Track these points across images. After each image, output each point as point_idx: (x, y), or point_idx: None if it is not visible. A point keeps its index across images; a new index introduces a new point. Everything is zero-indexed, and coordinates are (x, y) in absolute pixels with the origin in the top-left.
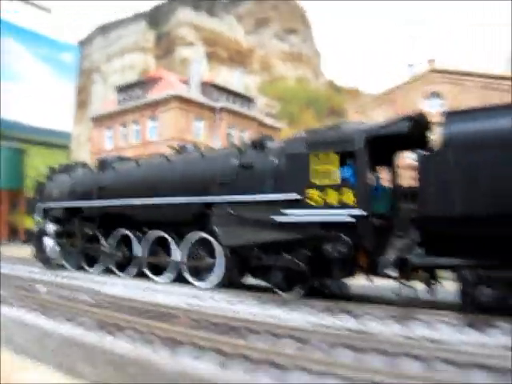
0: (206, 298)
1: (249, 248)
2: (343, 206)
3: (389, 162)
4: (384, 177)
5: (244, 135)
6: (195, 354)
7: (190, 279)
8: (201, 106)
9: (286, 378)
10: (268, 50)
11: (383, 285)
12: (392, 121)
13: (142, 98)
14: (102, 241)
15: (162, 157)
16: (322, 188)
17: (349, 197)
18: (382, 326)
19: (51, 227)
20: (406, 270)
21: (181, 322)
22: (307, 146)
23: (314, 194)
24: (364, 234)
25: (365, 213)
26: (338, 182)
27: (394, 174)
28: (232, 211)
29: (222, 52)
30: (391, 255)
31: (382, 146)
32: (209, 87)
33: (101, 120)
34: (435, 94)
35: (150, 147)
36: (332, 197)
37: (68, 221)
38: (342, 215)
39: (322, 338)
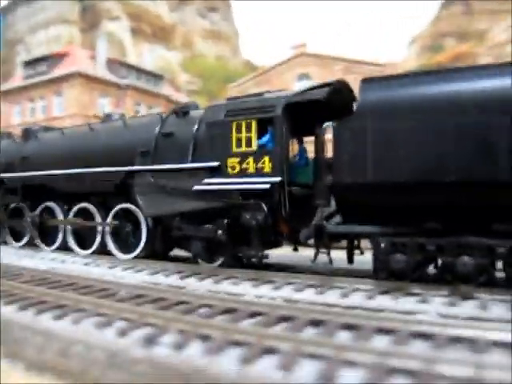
0: (69, 263)
1: (170, 218)
2: (260, 173)
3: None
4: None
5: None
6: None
7: (114, 251)
8: (106, 83)
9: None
10: (190, 28)
11: (309, 254)
12: (311, 87)
13: (48, 74)
14: (27, 213)
15: (86, 126)
16: (241, 156)
17: (266, 164)
18: (300, 295)
19: None
20: (323, 239)
21: (22, 279)
22: (228, 114)
23: (233, 162)
24: (280, 202)
25: (279, 179)
26: (256, 149)
27: (318, 145)
28: (152, 180)
29: (146, 27)
30: (311, 224)
31: (306, 115)
32: (116, 64)
33: (9, 94)
34: (305, 76)
35: (56, 123)
36: (250, 164)
37: None
38: (258, 183)
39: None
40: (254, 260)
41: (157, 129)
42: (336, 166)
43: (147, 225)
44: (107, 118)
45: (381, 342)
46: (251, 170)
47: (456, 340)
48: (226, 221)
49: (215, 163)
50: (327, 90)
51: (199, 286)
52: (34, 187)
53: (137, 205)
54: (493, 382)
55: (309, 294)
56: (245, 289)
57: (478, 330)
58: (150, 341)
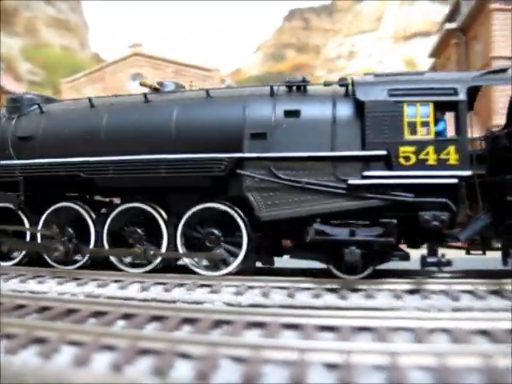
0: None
1: (302, 221)
2: (444, 166)
3: None
4: None
5: None
6: None
7: (195, 268)
8: None
9: None
10: (34, 13)
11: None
12: (489, 71)
13: None
14: (26, 222)
15: (128, 96)
16: (417, 144)
17: (451, 155)
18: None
19: None
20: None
21: None
22: (393, 93)
23: (407, 151)
24: (465, 198)
25: (469, 173)
26: (435, 137)
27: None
28: (275, 172)
29: None
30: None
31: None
32: None
33: None
34: (139, 76)
35: None
36: (430, 155)
37: None
38: (444, 177)
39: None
40: (429, 261)
41: (272, 106)
42: None
43: (248, 231)
44: (160, 86)
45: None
46: (431, 161)
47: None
48: (395, 221)
49: (382, 152)
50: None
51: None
52: (49, 181)
53: (236, 204)
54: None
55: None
56: (50, 287)
57: (260, 315)
58: None
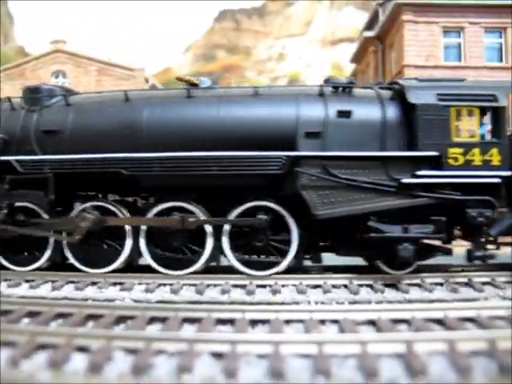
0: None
1: (356, 218)
2: (488, 166)
3: None
4: None
5: None
6: None
7: (241, 267)
8: None
9: None
10: None
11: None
12: None
13: None
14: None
15: (176, 91)
16: (465, 146)
17: (494, 156)
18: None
19: None
20: None
21: None
22: (442, 98)
23: (455, 152)
24: (506, 196)
25: (510, 173)
26: (481, 139)
27: None
28: (330, 171)
29: None
30: None
31: None
32: None
33: None
34: (61, 73)
35: None
36: (476, 156)
37: None
38: (489, 176)
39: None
40: (476, 255)
41: (323, 105)
42: None
43: (298, 230)
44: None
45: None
46: (477, 162)
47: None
48: (444, 219)
49: (433, 153)
50: None
51: None
52: (81, 178)
53: (283, 203)
54: None
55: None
56: None
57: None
58: None
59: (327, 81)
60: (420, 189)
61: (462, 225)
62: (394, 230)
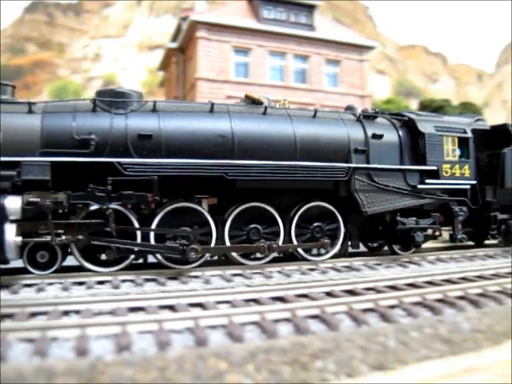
0: None
1: (386, 213)
2: (463, 177)
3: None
4: None
5: None
6: None
7: (305, 254)
8: None
9: None
10: None
11: None
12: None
13: None
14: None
15: (249, 108)
16: (450, 163)
17: (466, 170)
18: None
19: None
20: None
21: None
22: (438, 129)
23: (446, 167)
24: (473, 198)
25: (475, 182)
26: (459, 158)
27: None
28: (372, 178)
29: None
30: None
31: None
32: None
33: None
34: None
35: None
36: (457, 170)
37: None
38: (465, 184)
39: None
40: (458, 237)
41: (362, 128)
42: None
43: (344, 224)
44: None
45: None
46: (457, 174)
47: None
48: (438, 214)
49: (434, 167)
50: (489, 126)
51: None
52: (183, 180)
53: (333, 203)
54: None
55: None
56: None
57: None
58: None
59: (349, 108)
60: (427, 192)
61: (447, 217)
62: (412, 223)
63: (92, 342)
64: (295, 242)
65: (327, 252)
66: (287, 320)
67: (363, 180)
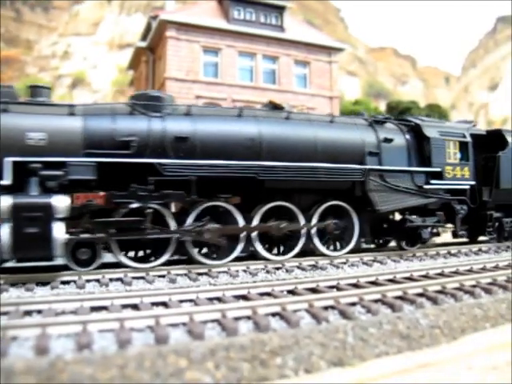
0: None
1: (396, 211)
2: (463, 178)
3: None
4: None
5: None
6: None
7: (325, 251)
8: None
9: None
10: None
11: None
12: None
13: None
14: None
15: (271, 112)
16: (452, 165)
17: (466, 171)
18: None
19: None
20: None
21: None
22: (442, 134)
23: (448, 169)
24: (471, 197)
25: (474, 182)
26: (460, 161)
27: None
28: (384, 179)
29: None
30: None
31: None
32: None
33: None
34: None
35: None
36: (458, 172)
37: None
38: (465, 184)
39: None
40: (459, 234)
41: (374, 133)
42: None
43: (359, 221)
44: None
45: None
46: (458, 175)
47: None
48: (442, 213)
49: (438, 169)
50: (485, 131)
51: None
52: (217, 180)
53: (348, 202)
54: None
55: None
56: None
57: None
58: None
59: (360, 114)
60: (431, 192)
61: (449, 215)
62: (419, 221)
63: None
64: (315, 239)
65: (343, 248)
66: (248, 318)
67: (377, 181)
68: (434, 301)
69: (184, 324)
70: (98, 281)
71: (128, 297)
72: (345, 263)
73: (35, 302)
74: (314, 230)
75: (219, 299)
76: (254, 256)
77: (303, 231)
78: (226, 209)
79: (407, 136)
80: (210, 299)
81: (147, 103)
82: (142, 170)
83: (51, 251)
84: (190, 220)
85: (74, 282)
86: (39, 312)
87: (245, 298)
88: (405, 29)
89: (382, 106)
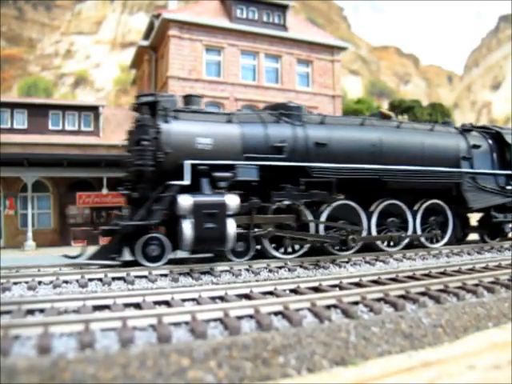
0: None
1: (484, 209)
2: None
3: None
4: None
5: None
6: None
7: (426, 243)
8: None
9: None
10: None
11: None
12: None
13: None
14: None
15: (381, 122)
16: None
17: None
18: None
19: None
20: None
21: None
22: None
23: None
24: None
25: None
26: None
27: None
28: (476, 180)
29: None
30: None
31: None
32: None
33: None
34: None
35: None
36: None
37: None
38: None
39: None
40: None
41: (465, 140)
42: None
43: (452, 217)
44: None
45: None
46: None
47: None
48: None
49: None
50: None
51: None
52: (351, 181)
53: (445, 200)
54: None
55: None
56: None
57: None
58: None
59: (445, 122)
60: (510, 192)
61: None
62: (502, 217)
63: None
64: (419, 233)
65: (438, 241)
66: (251, 317)
67: (470, 182)
68: (437, 300)
69: (186, 323)
70: (100, 280)
71: (130, 296)
72: (347, 262)
73: (38, 300)
74: (418, 225)
75: (222, 298)
76: (262, 254)
77: (411, 225)
78: (352, 206)
79: (490, 142)
80: (213, 298)
81: (290, 113)
82: (295, 172)
83: (225, 244)
84: (323, 217)
85: (77, 280)
86: (41, 311)
87: (247, 296)
88: (408, 28)
89: (385, 105)
